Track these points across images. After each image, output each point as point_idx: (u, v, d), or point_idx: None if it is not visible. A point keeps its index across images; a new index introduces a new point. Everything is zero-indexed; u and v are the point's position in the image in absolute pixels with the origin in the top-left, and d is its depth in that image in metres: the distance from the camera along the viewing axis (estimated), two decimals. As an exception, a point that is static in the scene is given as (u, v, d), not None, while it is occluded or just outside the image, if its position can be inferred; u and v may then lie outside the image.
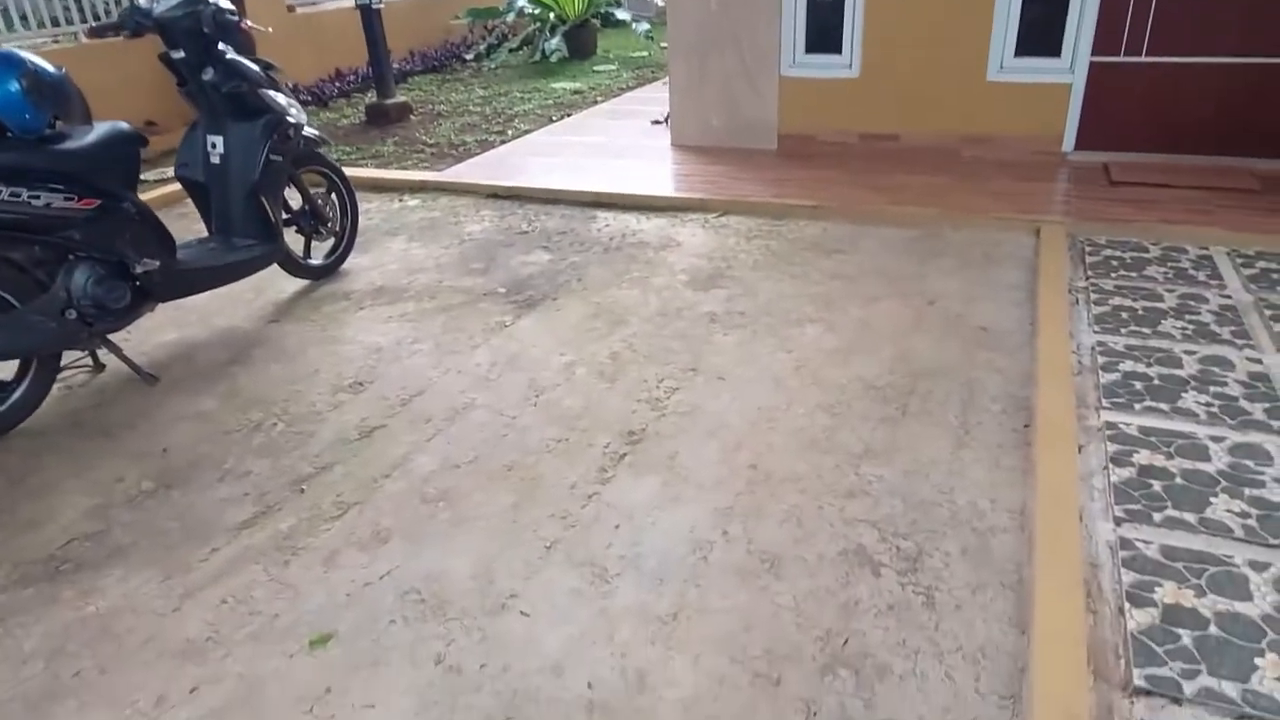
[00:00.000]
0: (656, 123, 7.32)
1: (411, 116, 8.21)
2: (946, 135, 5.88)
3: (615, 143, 6.83)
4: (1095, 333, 3.43)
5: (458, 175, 6.09)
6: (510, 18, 11.51)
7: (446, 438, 3.03)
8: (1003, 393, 3.15)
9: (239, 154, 3.80)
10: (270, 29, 3.96)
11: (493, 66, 10.92)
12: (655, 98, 8.39)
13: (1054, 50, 5.50)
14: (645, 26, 11.22)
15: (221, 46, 3.71)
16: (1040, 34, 5.52)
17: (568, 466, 2.84)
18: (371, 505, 2.70)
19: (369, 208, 5.62)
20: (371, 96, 8.33)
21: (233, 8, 3.71)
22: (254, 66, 3.80)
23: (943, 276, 4.16)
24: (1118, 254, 4.19)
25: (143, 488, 2.84)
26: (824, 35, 5.98)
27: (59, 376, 3.34)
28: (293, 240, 4.31)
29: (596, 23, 11.91)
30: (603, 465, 2.83)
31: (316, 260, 4.47)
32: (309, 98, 8.94)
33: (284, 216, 4.20)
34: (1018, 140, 5.72)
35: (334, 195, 4.51)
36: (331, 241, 4.54)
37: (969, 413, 3.04)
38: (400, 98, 8.30)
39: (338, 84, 9.43)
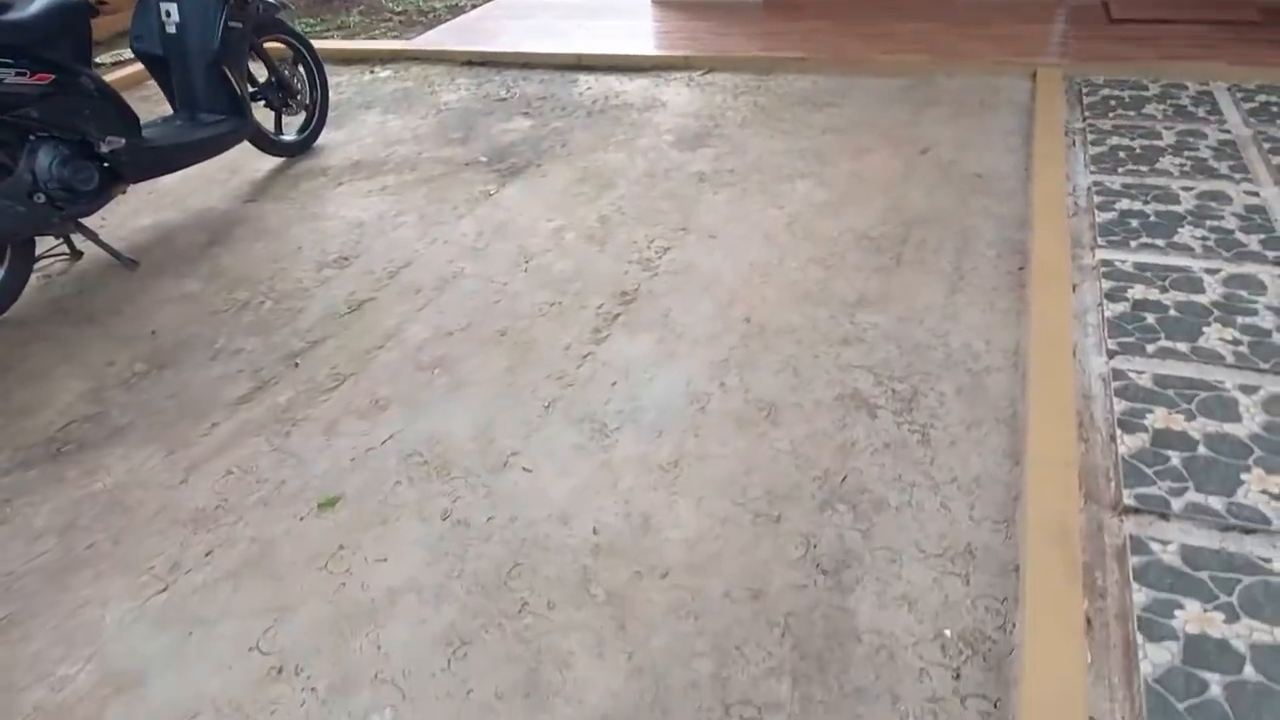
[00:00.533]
0: (634, -21, 6.93)
1: (375, -16, 7.75)
2: (940, -22, 5.59)
3: (591, 2, 6.49)
4: (1092, 173, 3.36)
5: (429, 43, 5.80)
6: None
7: (437, 307, 3.00)
8: (998, 237, 3.11)
9: (195, 22, 3.59)
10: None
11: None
12: (632, -47, 7.91)
13: (1054, -123, 5.18)
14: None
15: (162, -98, 3.44)
16: None
17: (561, 329, 2.82)
18: (367, 375, 2.69)
19: (339, 81, 5.38)
20: (331, -36, 7.83)
21: None
22: (200, -77, 3.54)
23: (936, 125, 4.04)
24: (1116, 94, 4.06)
25: (135, 369, 2.82)
26: None
27: (37, 266, 3.27)
28: (262, 116, 4.14)
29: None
30: (596, 326, 2.82)
31: (289, 136, 4.31)
32: (265, -31, 8.41)
33: (250, 90, 4.02)
34: (1014, -20, 5.44)
35: (301, 67, 4.30)
36: (303, 116, 4.37)
37: (963, 258, 3.01)
38: (362, -36, 7.82)
39: (294, -48, 8.86)
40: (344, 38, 6.22)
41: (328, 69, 5.45)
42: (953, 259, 3.01)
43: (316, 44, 5.93)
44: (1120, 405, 2.18)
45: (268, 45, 4.10)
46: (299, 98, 4.24)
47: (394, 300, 3.06)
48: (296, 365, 2.77)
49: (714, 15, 5.81)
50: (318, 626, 1.88)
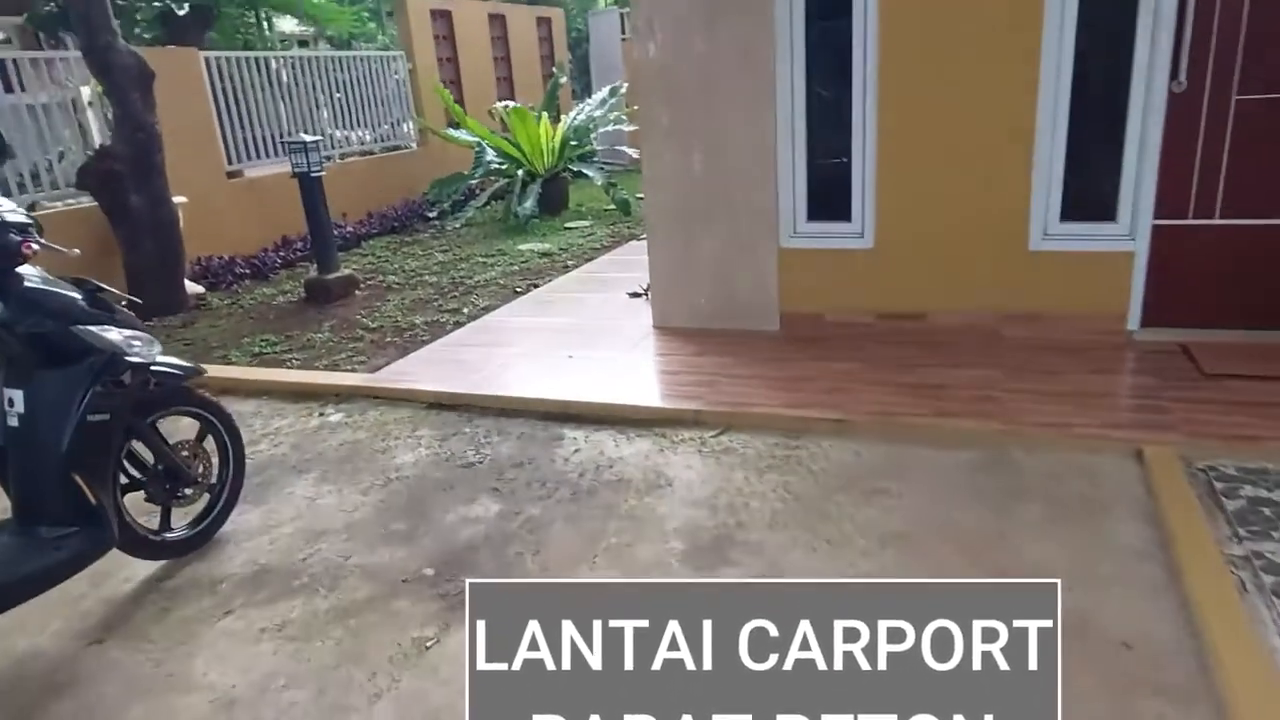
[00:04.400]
0: (635, 295, 6.37)
1: (357, 291, 7.24)
2: (982, 313, 4.91)
3: (587, 324, 5.83)
4: (1307, 662, 2.28)
5: (396, 376, 5.02)
6: (479, 174, 10.75)
7: None
8: (1209, 804, 1.96)
9: (45, 414, 2.70)
10: (77, 251, 2.93)
11: (457, 225, 10.11)
12: (633, 260, 7.34)
13: (1108, 214, 4.62)
14: (601, 179, 10.24)
15: (22, 270, 2.68)
16: (1090, 195, 4.67)
17: None
18: None
19: (281, 425, 4.50)
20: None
21: (25, 220, 2.70)
22: (71, 293, 2.77)
23: (1033, 538, 3.03)
24: (1263, 493, 3.10)
25: None
26: (829, 200, 5.09)
27: None
28: (146, 509, 3.17)
29: (568, 175, 11.24)
30: None
31: (178, 531, 3.28)
32: (247, 270, 8.02)
33: (130, 479, 3.09)
34: (1071, 318, 4.74)
35: (212, 438, 3.39)
36: (206, 499, 3.39)
37: None
38: (346, 270, 7.35)
39: (282, 253, 8.54)
40: (304, 362, 5.46)
41: (274, 405, 4.70)
42: None
43: (268, 372, 5.22)
44: None
45: (168, 419, 3.22)
46: (200, 483, 3.28)
47: None
48: None
49: (726, 346, 5.07)
50: None
